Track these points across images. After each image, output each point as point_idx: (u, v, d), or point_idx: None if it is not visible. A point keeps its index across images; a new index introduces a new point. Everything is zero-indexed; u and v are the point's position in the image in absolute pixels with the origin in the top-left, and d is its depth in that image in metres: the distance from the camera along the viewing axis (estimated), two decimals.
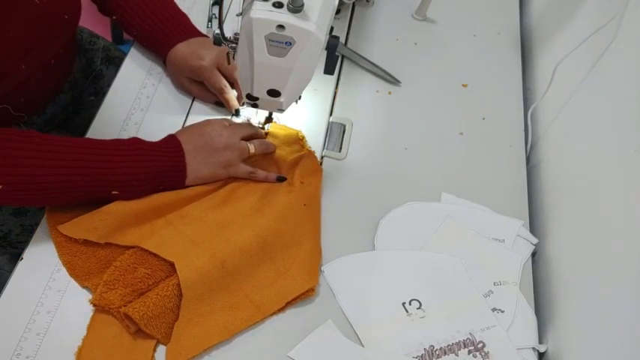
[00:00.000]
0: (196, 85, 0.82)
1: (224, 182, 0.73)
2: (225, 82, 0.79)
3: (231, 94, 0.80)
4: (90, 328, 0.62)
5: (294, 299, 0.67)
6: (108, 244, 0.66)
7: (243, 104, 0.78)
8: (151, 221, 0.68)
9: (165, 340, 0.62)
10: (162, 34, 0.80)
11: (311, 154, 0.79)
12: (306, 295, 0.67)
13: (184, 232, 0.67)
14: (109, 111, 0.80)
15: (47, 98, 0.81)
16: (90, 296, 0.64)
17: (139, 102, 0.82)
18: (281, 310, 0.66)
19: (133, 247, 0.66)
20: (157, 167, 0.67)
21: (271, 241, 0.68)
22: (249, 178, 0.74)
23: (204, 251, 0.66)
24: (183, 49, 0.79)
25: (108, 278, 0.63)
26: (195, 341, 0.62)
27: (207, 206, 0.70)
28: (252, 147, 0.73)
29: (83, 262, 0.66)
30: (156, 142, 0.69)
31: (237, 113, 0.81)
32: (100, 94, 0.82)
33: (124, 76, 0.85)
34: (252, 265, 0.67)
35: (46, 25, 0.69)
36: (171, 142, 0.70)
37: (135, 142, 0.68)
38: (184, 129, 0.73)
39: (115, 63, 0.96)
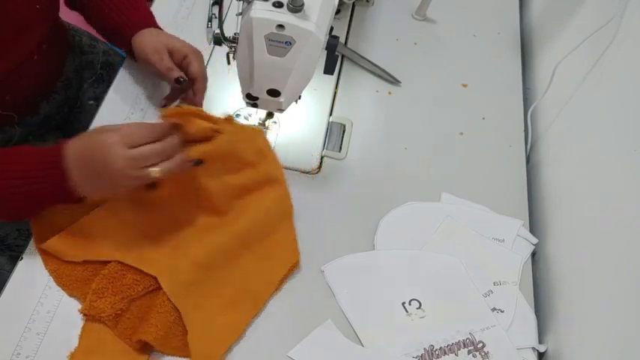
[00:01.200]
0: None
1: (190, 186, 0.68)
2: (171, 63, 0.75)
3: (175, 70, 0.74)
4: (81, 337, 0.62)
5: (284, 278, 0.68)
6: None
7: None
8: (125, 234, 0.67)
9: (178, 352, 0.62)
10: (120, 29, 0.78)
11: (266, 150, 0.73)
12: (292, 271, 0.69)
13: (161, 241, 0.67)
14: (108, 111, 0.81)
15: (38, 97, 0.81)
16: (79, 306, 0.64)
17: (139, 102, 0.82)
18: (277, 290, 0.68)
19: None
20: (34, 191, 0.60)
21: (248, 235, 0.69)
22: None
23: (184, 259, 0.65)
24: (140, 40, 0.76)
25: (96, 287, 0.63)
26: (214, 349, 0.62)
27: (181, 214, 0.69)
28: (155, 171, 0.60)
29: (70, 270, 0.65)
30: (36, 163, 0.61)
31: (178, 82, 0.74)
32: (100, 99, 0.82)
33: (123, 76, 0.85)
34: (235, 261, 0.67)
35: (14, 15, 0.68)
36: (53, 166, 0.60)
37: (17, 158, 0.61)
38: (76, 144, 0.60)
39: (115, 68, 0.96)
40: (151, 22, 0.80)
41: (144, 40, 0.76)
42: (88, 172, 0.59)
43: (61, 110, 0.86)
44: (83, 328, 0.63)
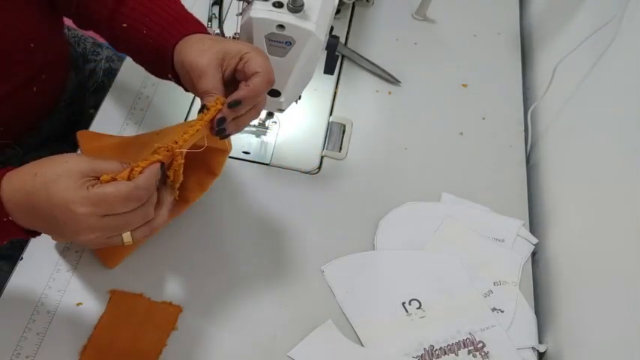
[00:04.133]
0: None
1: None
2: (213, 85, 0.54)
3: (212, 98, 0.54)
4: (94, 335, 0.62)
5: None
6: None
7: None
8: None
9: None
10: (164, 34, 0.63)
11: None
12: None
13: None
14: (108, 111, 0.81)
15: (38, 120, 0.79)
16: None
17: (138, 102, 0.82)
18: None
19: None
20: None
21: None
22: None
23: None
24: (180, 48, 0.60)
25: None
26: None
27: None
28: (126, 238, 0.52)
29: None
30: None
31: (203, 109, 0.54)
32: (100, 106, 0.80)
33: (123, 76, 0.85)
34: None
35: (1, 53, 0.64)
36: None
37: None
38: (18, 191, 0.48)
39: (116, 75, 0.94)
40: (195, 28, 0.61)
41: (187, 53, 0.57)
42: (38, 224, 0.50)
43: (63, 127, 0.84)
44: (97, 325, 0.63)
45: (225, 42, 0.57)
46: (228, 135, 0.56)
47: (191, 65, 0.55)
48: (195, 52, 0.56)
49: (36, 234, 0.53)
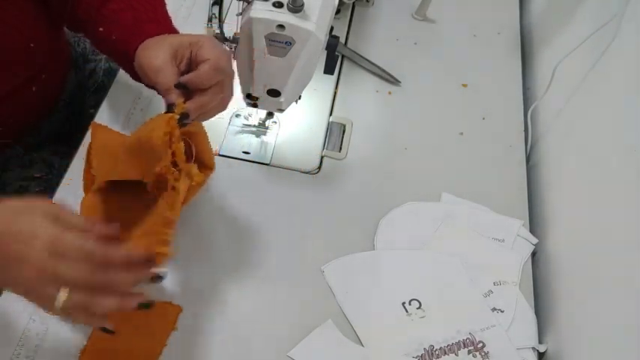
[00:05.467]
0: None
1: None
2: (171, 80, 0.56)
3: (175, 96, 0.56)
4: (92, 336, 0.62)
5: None
6: None
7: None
8: None
9: None
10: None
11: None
12: None
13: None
14: (108, 112, 0.81)
15: (38, 120, 0.79)
16: None
17: (138, 102, 0.82)
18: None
19: None
20: None
21: None
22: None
23: None
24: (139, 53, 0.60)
25: None
26: None
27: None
28: (62, 297, 0.47)
29: None
30: None
31: (169, 109, 0.56)
32: (100, 105, 0.81)
33: (124, 76, 0.84)
34: None
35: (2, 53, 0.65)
36: None
37: None
38: None
39: (116, 75, 0.94)
40: (157, 31, 0.62)
41: (143, 56, 0.58)
42: None
43: (63, 127, 0.84)
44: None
45: (178, 35, 0.59)
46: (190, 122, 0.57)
47: (148, 66, 0.57)
48: (149, 52, 0.58)
49: None
